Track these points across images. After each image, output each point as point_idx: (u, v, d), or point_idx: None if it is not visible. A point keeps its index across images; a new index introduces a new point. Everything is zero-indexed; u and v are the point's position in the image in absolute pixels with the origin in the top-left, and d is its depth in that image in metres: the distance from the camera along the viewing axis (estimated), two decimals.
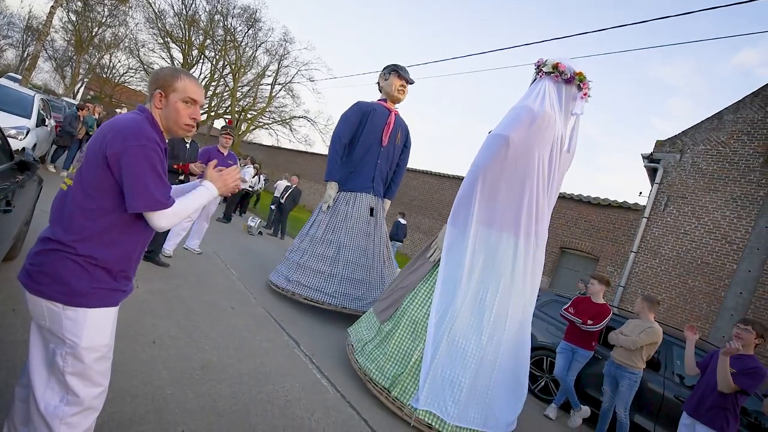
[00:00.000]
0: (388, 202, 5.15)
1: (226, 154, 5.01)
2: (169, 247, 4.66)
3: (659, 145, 8.46)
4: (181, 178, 4.28)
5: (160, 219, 1.26)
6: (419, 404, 2.73)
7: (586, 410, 4.05)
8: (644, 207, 8.40)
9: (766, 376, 2.79)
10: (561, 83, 3.15)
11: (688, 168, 7.97)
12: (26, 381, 1.31)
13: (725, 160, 7.58)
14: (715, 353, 3.06)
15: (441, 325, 2.92)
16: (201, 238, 5.30)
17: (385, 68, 4.88)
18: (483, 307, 2.96)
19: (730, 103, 7.71)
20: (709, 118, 7.92)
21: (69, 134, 7.62)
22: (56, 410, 1.23)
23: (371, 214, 4.80)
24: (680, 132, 8.24)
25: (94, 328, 1.25)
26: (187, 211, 1.34)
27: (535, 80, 3.31)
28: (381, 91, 4.95)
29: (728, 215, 7.33)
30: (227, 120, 19.07)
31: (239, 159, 10.38)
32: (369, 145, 4.76)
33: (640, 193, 8.91)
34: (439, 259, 3.18)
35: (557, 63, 3.11)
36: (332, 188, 4.70)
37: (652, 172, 8.57)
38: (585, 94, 3.16)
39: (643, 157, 8.58)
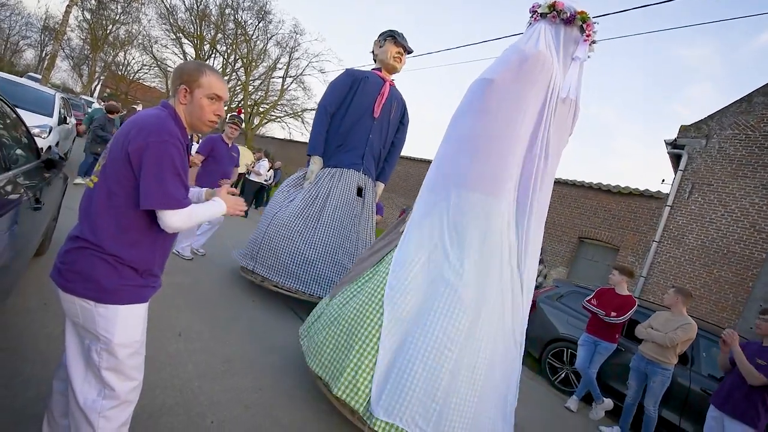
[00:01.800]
0: (381, 186, 4.55)
1: (230, 145, 4.78)
2: (181, 249, 4.48)
3: (683, 130, 8.14)
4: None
5: (172, 218, 1.22)
6: (378, 413, 2.07)
7: (609, 403, 3.99)
8: (667, 195, 8.13)
9: None
10: (559, 24, 2.63)
11: (715, 154, 7.66)
12: (63, 375, 1.34)
13: (755, 145, 7.25)
14: (745, 345, 2.98)
15: (395, 306, 2.28)
16: (205, 241, 4.98)
17: (380, 34, 4.34)
18: (458, 293, 2.28)
19: (760, 86, 7.35)
20: (737, 101, 7.56)
21: (104, 140, 6.61)
22: (95, 404, 1.25)
23: (359, 194, 4.22)
24: (706, 116, 7.90)
25: (126, 324, 1.26)
26: (199, 218, 1.32)
27: (530, 25, 2.79)
28: (375, 60, 4.44)
29: (757, 202, 7.04)
30: (237, 110, 18.91)
31: (253, 153, 10.47)
32: (359, 117, 4.19)
33: (663, 180, 8.65)
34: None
35: (555, 2, 2.62)
36: (315, 163, 4.17)
37: (675, 159, 8.27)
38: (588, 36, 2.64)
39: (667, 144, 8.27)
